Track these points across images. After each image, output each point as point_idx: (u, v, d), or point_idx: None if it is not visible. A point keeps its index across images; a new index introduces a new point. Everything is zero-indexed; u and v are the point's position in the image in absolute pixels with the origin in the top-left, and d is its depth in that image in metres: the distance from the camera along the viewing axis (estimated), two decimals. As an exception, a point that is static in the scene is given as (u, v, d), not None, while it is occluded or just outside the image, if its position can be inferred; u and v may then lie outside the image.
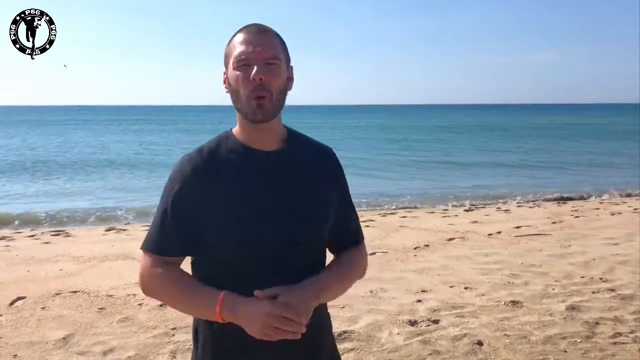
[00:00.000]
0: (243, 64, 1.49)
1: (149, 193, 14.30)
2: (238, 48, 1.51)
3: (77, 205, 13.46)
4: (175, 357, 4.23)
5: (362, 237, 1.81)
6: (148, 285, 1.62)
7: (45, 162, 23.46)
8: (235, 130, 1.61)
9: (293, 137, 1.64)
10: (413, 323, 4.84)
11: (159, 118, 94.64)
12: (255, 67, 1.47)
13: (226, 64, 1.55)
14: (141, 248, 1.63)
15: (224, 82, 1.57)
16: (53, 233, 9.48)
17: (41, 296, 5.70)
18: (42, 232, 9.66)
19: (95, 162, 23.79)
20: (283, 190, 1.57)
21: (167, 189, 1.59)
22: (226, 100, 1.58)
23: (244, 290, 1.49)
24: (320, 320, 1.66)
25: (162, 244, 1.58)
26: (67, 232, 9.56)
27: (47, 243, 8.50)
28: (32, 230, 10.15)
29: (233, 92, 1.53)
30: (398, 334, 4.62)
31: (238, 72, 1.50)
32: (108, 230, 9.77)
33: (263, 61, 1.48)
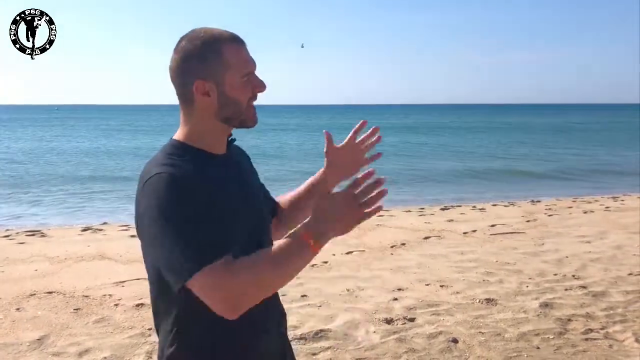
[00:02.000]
0: (247, 74, 1.55)
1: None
2: (240, 59, 1.54)
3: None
4: (151, 358, 4.22)
5: None
6: (237, 295, 1.35)
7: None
8: (187, 138, 1.58)
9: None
10: (389, 321, 4.89)
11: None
12: (259, 79, 1.58)
13: (218, 74, 1.52)
14: (192, 275, 1.33)
15: (205, 93, 1.53)
16: (28, 233, 9.36)
17: (16, 297, 5.65)
18: (17, 232, 9.53)
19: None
20: (248, 186, 1.68)
21: (171, 203, 1.40)
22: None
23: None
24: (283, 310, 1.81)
25: (218, 245, 1.38)
26: (42, 232, 9.44)
27: (22, 243, 8.40)
28: (7, 230, 10.02)
29: (230, 101, 1.54)
30: (374, 332, 4.66)
31: (243, 83, 1.55)
32: (84, 230, 9.68)
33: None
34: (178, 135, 1.59)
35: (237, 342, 1.55)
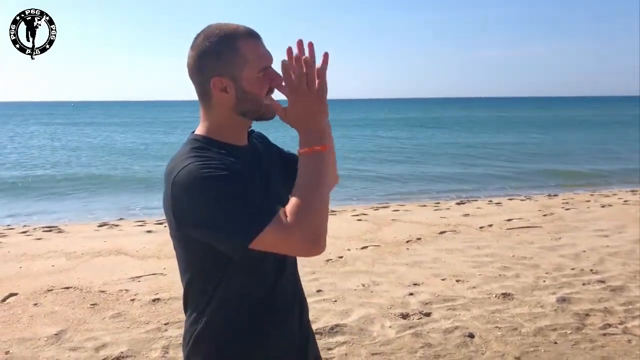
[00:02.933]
0: (264, 68, 1.55)
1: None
2: (257, 54, 1.55)
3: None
4: (167, 352, 4.24)
5: None
6: (308, 235, 1.41)
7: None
8: (208, 132, 1.61)
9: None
10: (405, 316, 4.87)
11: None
12: (276, 72, 1.56)
13: (235, 70, 1.53)
14: (258, 233, 1.39)
15: (223, 89, 1.54)
16: (45, 229, 9.44)
17: (33, 292, 5.70)
18: (34, 228, 9.62)
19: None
20: (270, 178, 1.69)
21: (211, 185, 1.42)
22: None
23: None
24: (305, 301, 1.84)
25: (268, 204, 1.44)
26: (59, 228, 9.52)
27: (39, 239, 8.47)
28: (25, 226, 10.12)
29: (249, 96, 1.55)
30: (390, 327, 4.65)
31: (260, 77, 1.55)
32: (100, 226, 9.75)
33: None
34: (200, 130, 1.62)
35: (257, 333, 1.62)
